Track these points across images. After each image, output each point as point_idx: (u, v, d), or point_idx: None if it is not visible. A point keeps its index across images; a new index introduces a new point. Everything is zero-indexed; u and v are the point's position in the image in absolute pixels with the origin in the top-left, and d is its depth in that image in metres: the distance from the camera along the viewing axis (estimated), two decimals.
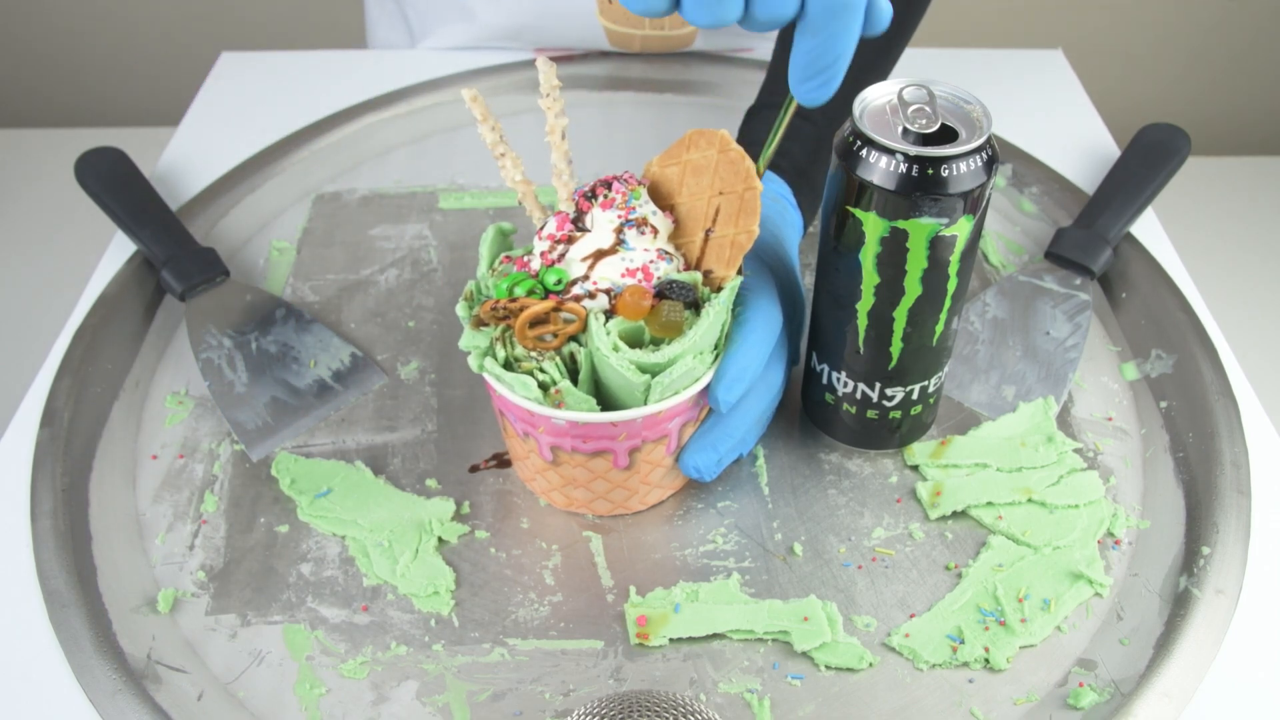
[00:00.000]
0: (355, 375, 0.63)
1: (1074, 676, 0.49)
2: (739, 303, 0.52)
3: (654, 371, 0.48)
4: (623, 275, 0.49)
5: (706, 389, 0.51)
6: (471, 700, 0.48)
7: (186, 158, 0.79)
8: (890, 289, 0.50)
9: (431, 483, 0.57)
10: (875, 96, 0.49)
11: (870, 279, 0.50)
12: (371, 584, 0.53)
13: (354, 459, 0.58)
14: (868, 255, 0.50)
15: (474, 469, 0.58)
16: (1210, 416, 0.58)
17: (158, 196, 0.70)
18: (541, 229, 0.51)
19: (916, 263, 0.49)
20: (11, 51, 1.90)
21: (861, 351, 0.53)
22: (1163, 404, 0.60)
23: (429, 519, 0.55)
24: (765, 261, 0.55)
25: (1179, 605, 0.50)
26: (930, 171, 0.46)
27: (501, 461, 0.58)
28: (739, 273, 0.50)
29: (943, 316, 0.52)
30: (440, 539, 0.54)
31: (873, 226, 0.48)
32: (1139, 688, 0.47)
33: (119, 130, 1.90)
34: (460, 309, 0.51)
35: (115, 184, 0.70)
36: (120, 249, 0.69)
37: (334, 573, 0.53)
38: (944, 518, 0.55)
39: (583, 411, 0.48)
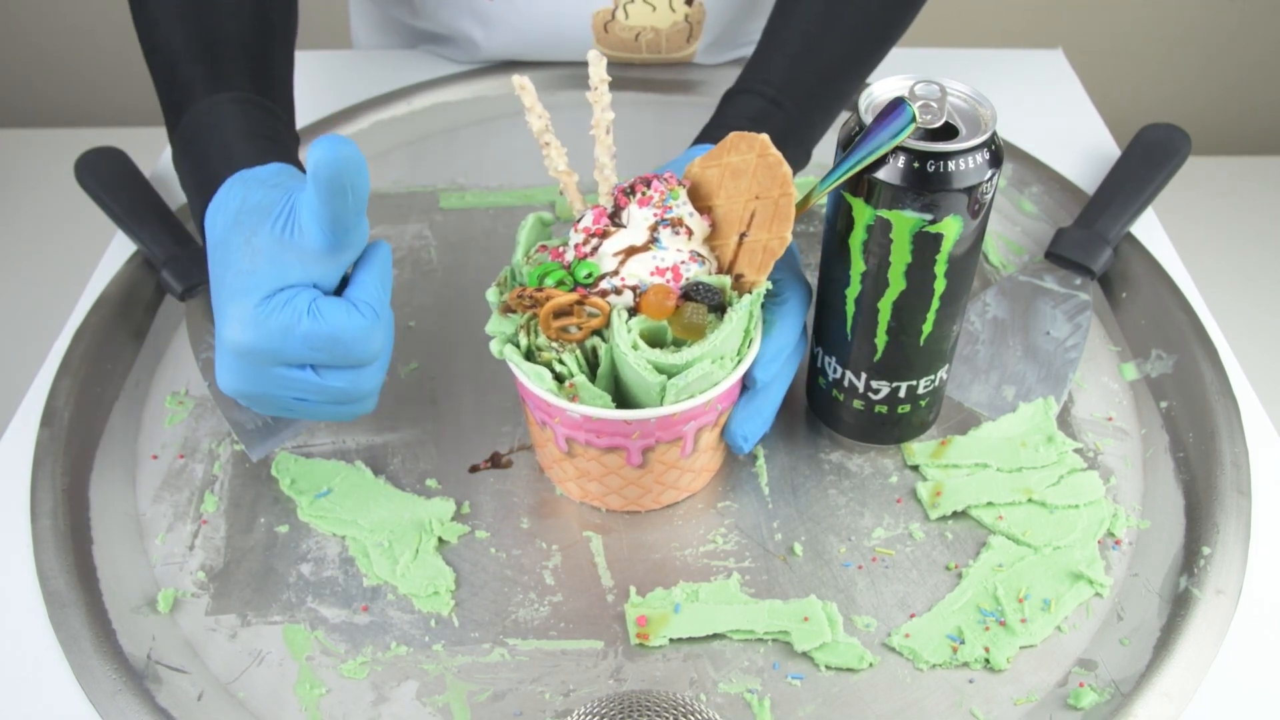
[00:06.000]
0: None
1: (1074, 676, 0.49)
2: (773, 279, 0.53)
3: (671, 373, 0.48)
4: (652, 274, 0.49)
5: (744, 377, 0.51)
6: (471, 700, 0.48)
7: None
8: (876, 279, 0.50)
9: (431, 483, 0.57)
10: (883, 91, 0.49)
11: (857, 265, 0.50)
12: (371, 584, 0.53)
13: (354, 459, 0.58)
14: (855, 241, 0.50)
15: (474, 469, 0.58)
16: (1210, 416, 0.58)
17: (158, 196, 0.70)
18: (578, 221, 0.51)
19: (900, 256, 0.49)
20: (11, 51, 1.90)
21: (850, 338, 0.53)
22: (1163, 404, 0.60)
23: (429, 519, 0.55)
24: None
25: (1179, 605, 0.50)
26: (915, 166, 0.46)
27: (499, 462, 0.58)
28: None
29: (930, 317, 0.52)
30: (440, 539, 0.54)
31: (860, 213, 0.49)
32: (1139, 688, 0.47)
33: (119, 130, 1.90)
34: (491, 294, 0.51)
35: (115, 184, 0.70)
36: (120, 249, 0.69)
37: (334, 573, 0.53)
38: (944, 518, 0.55)
39: (596, 407, 0.48)
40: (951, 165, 0.46)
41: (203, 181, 0.52)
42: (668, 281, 0.49)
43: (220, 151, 0.52)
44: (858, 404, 0.56)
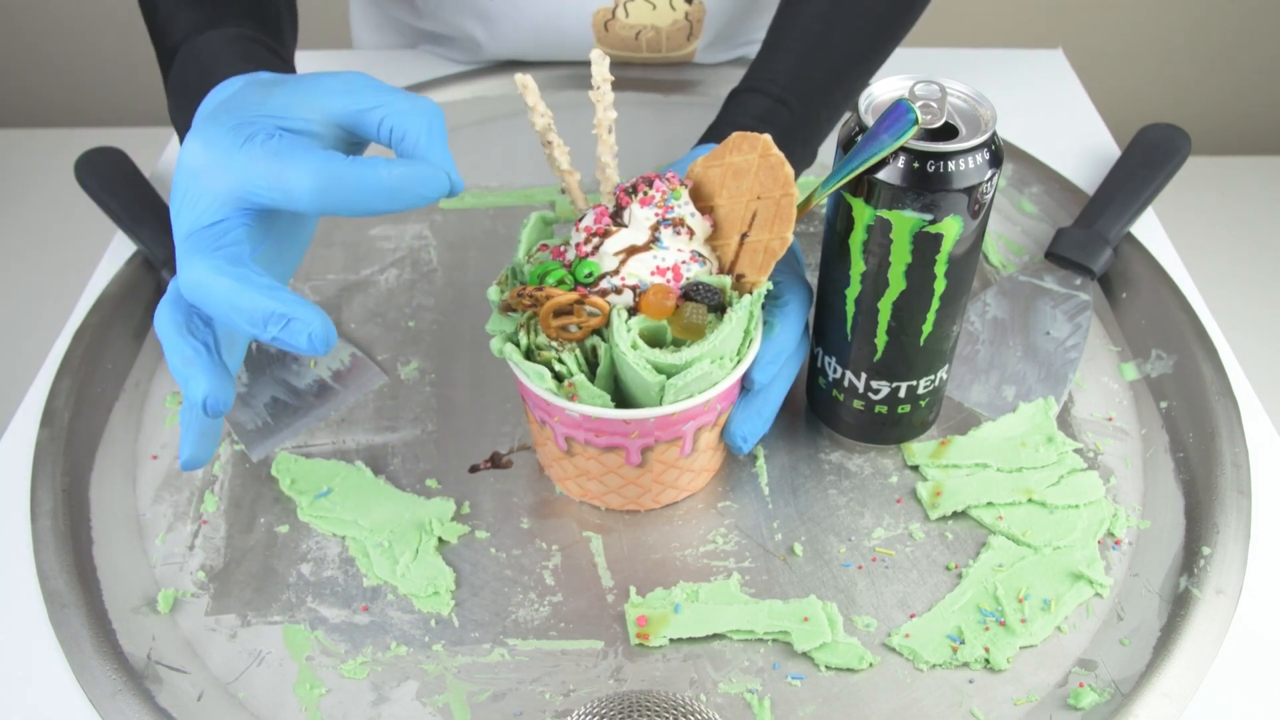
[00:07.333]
0: (355, 375, 0.63)
1: (1074, 677, 0.49)
2: (774, 280, 0.53)
3: (670, 372, 0.48)
4: (652, 273, 0.49)
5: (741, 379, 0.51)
6: (471, 700, 0.48)
7: None
8: (876, 279, 0.50)
9: (431, 483, 0.57)
10: (883, 92, 0.49)
11: (857, 265, 0.50)
12: (371, 584, 0.53)
13: (354, 459, 0.58)
14: (855, 241, 0.50)
15: (474, 469, 0.58)
16: (1210, 416, 0.58)
17: (158, 196, 0.70)
18: (580, 220, 0.51)
19: (900, 256, 0.49)
20: (11, 51, 1.90)
21: (849, 338, 0.54)
22: (1163, 404, 0.60)
23: (429, 519, 0.55)
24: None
25: (1179, 605, 0.50)
26: (915, 166, 0.46)
27: (499, 462, 0.58)
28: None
29: (930, 317, 0.52)
30: (440, 539, 0.54)
31: (860, 213, 0.49)
32: (1139, 688, 0.47)
33: (119, 130, 1.90)
34: (492, 292, 0.51)
35: (115, 184, 0.70)
36: (120, 249, 0.69)
37: (334, 573, 0.53)
38: (944, 518, 0.55)
39: (595, 406, 0.48)
40: (951, 165, 0.46)
41: (195, 96, 0.48)
42: (668, 281, 0.49)
43: (218, 69, 0.49)
44: (858, 404, 0.56)
